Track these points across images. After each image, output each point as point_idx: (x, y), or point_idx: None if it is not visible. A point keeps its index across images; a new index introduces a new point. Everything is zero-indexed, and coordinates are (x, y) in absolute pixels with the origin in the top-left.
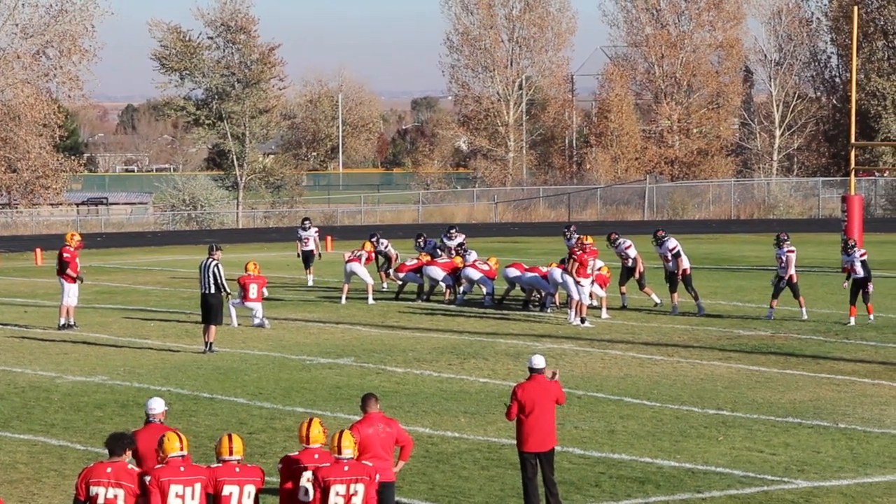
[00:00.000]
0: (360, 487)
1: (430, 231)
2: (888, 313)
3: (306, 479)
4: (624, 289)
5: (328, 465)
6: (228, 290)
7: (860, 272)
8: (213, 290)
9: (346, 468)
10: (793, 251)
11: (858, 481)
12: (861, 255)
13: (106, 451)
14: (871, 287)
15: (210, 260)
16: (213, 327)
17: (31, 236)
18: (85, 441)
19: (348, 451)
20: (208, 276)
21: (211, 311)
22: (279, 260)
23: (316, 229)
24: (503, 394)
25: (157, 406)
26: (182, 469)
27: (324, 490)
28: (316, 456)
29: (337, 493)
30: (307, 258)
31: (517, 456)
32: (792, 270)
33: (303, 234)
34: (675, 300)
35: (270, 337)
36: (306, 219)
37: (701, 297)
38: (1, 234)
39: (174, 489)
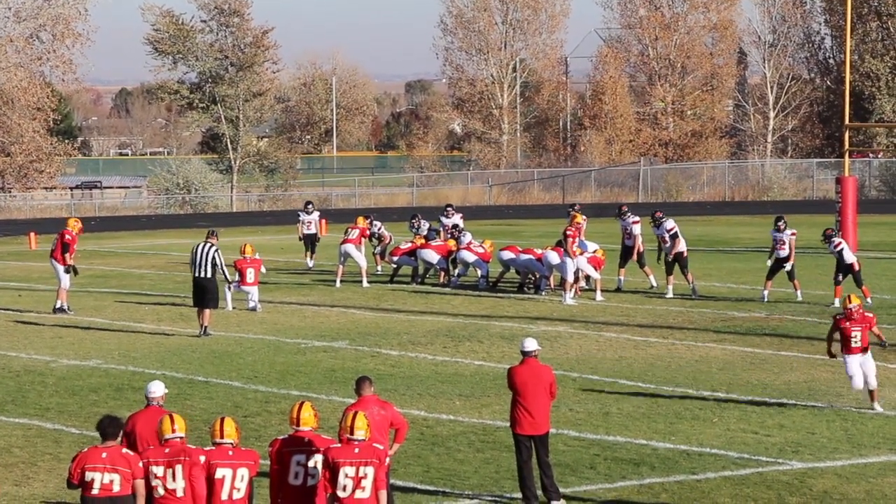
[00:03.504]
0: (370, 470)
1: (424, 214)
2: (882, 294)
3: (296, 463)
4: (623, 272)
5: (338, 446)
6: (230, 279)
7: (848, 259)
8: (209, 275)
9: (356, 450)
10: (795, 234)
11: (853, 462)
12: (836, 246)
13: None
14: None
15: (209, 245)
16: (207, 311)
17: (24, 220)
18: (80, 425)
19: (360, 432)
20: (206, 261)
21: (207, 294)
22: (274, 243)
23: (318, 212)
24: (498, 376)
25: (157, 389)
26: (167, 451)
27: (332, 471)
28: (306, 440)
29: (346, 475)
30: (310, 241)
31: (512, 438)
32: (787, 252)
33: (305, 217)
34: (670, 283)
35: (265, 320)
36: (309, 202)
37: (695, 279)
38: None
39: (154, 470)
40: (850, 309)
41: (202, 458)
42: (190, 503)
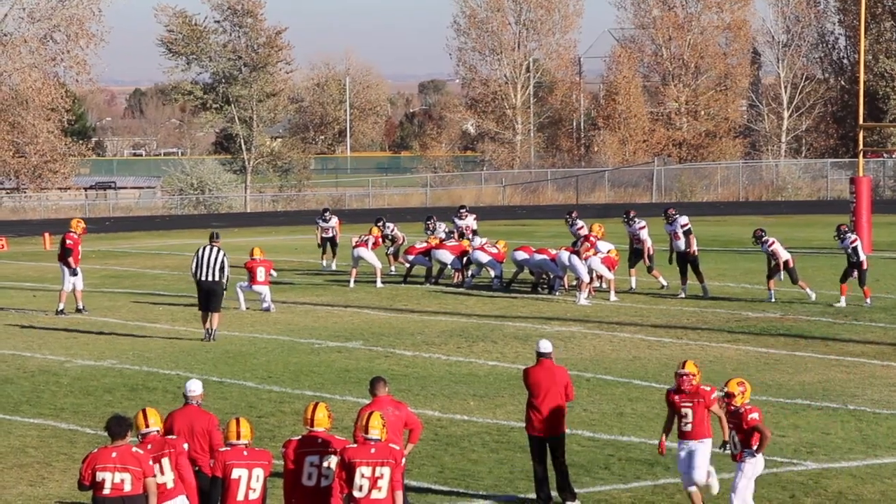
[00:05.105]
0: (386, 471)
1: (438, 214)
2: None
3: (309, 464)
4: (634, 271)
5: (354, 446)
6: (226, 285)
7: (861, 256)
8: (217, 278)
9: (372, 450)
10: (773, 242)
11: (868, 463)
12: (852, 242)
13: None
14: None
15: (216, 249)
16: (216, 314)
17: (39, 221)
18: (94, 425)
19: (375, 432)
20: (214, 265)
21: (214, 298)
22: (288, 244)
23: (337, 219)
24: (512, 377)
25: (196, 388)
26: (149, 447)
27: (349, 471)
28: (320, 440)
29: (362, 475)
30: (329, 244)
31: (526, 439)
32: (786, 256)
33: (324, 224)
34: (684, 283)
35: (279, 321)
36: (326, 209)
37: (707, 279)
38: (9, 219)
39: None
40: (681, 376)
41: (186, 446)
42: (181, 493)
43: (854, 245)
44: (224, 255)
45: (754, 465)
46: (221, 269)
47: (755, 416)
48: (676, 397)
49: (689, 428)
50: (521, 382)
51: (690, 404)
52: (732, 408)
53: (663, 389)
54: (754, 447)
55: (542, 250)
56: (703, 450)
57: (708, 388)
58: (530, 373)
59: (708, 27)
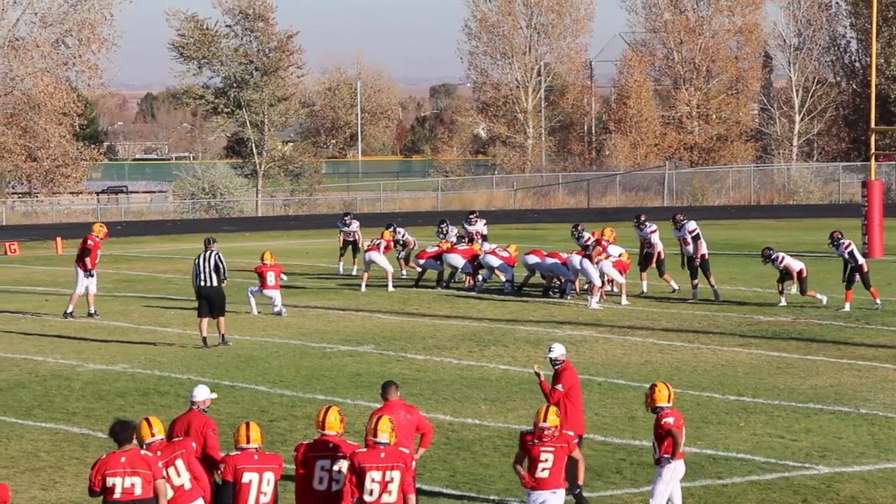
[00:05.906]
0: (397, 475)
1: (450, 218)
2: None
3: (320, 468)
4: (644, 275)
5: (364, 451)
6: (226, 278)
7: (859, 260)
8: (215, 283)
9: (382, 454)
10: (783, 258)
11: (880, 467)
12: (847, 247)
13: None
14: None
15: (209, 252)
16: (222, 319)
17: (51, 225)
18: (106, 429)
19: (384, 435)
20: (209, 269)
21: (216, 303)
22: (299, 248)
23: (358, 223)
24: (524, 381)
25: (200, 394)
26: (159, 454)
27: (359, 476)
28: (331, 444)
29: (373, 480)
30: (352, 247)
31: None
32: (799, 266)
33: (345, 229)
34: (695, 287)
35: (291, 325)
36: (347, 213)
37: (718, 283)
38: (21, 223)
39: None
40: (542, 430)
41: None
42: (199, 495)
43: (850, 250)
44: (217, 255)
45: (673, 470)
46: (216, 269)
47: (669, 420)
48: (536, 443)
49: (545, 475)
50: (534, 386)
51: (552, 450)
52: (652, 408)
53: (675, 393)
54: (668, 454)
55: (554, 254)
56: (557, 498)
57: (571, 434)
58: (567, 375)
59: (719, 31)
